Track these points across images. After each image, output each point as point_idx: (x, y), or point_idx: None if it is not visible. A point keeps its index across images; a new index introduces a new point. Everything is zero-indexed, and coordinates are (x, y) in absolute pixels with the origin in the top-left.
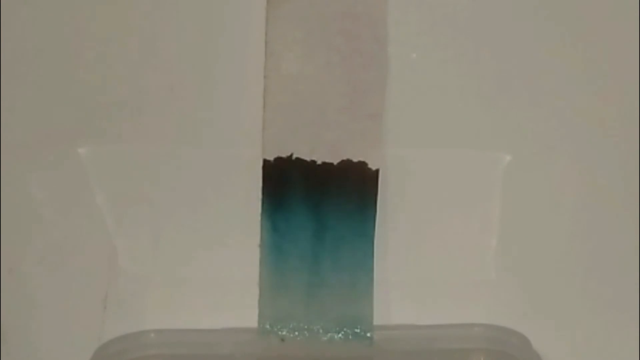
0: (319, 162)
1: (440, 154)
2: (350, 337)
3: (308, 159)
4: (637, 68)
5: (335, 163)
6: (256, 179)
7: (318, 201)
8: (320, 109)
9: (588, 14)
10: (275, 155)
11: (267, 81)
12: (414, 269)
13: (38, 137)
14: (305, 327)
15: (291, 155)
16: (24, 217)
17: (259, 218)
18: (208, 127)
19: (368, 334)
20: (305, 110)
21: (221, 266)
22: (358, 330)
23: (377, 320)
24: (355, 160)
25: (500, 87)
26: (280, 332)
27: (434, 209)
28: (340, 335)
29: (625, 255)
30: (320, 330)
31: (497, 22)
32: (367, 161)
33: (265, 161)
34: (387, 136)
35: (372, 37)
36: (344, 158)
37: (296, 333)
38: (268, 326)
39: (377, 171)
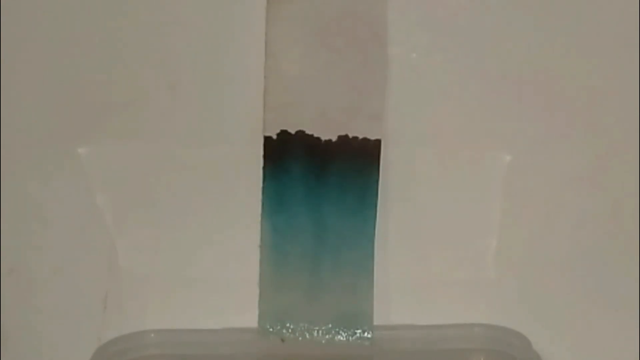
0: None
1: (440, 154)
2: (350, 337)
3: (308, 158)
4: (637, 68)
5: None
6: (256, 180)
7: (318, 201)
8: (320, 109)
9: (589, 14)
10: (276, 157)
11: (267, 81)
12: (414, 269)
13: (38, 138)
14: (306, 327)
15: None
16: (25, 217)
17: (259, 218)
18: (208, 128)
19: (368, 334)
20: (305, 110)
21: (221, 266)
22: (358, 330)
23: (377, 321)
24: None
25: (501, 88)
26: (280, 332)
27: (434, 209)
28: (340, 335)
29: (626, 256)
30: (321, 331)
31: (498, 23)
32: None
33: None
34: (388, 136)
35: (372, 37)
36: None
37: (296, 333)
38: (268, 326)
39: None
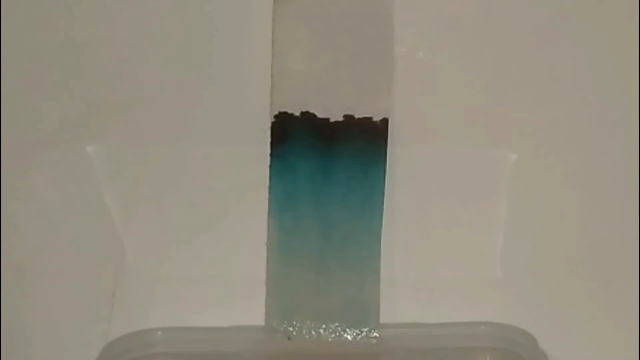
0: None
1: (447, 153)
2: (357, 335)
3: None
4: (638, 68)
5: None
6: (263, 177)
7: (325, 199)
8: (326, 108)
9: (594, 14)
10: (283, 156)
11: (274, 80)
12: (421, 267)
13: (46, 136)
14: (312, 325)
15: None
16: (32, 215)
17: (266, 217)
18: (216, 126)
19: (375, 332)
20: (311, 109)
21: (228, 265)
22: (365, 329)
23: (384, 319)
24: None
25: (507, 86)
26: (287, 331)
27: (440, 208)
28: (347, 333)
29: (633, 254)
30: (328, 329)
31: (503, 21)
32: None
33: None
34: (393, 135)
35: (378, 36)
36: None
37: (303, 331)
38: (275, 324)
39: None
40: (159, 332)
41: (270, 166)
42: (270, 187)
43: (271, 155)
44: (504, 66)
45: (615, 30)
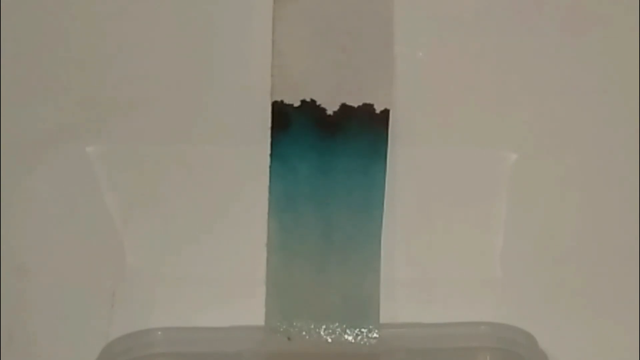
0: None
1: (446, 153)
2: (357, 335)
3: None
4: (638, 68)
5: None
6: (263, 177)
7: (325, 200)
8: (326, 108)
9: (594, 13)
10: (283, 156)
11: (274, 80)
12: (421, 267)
13: (47, 136)
14: (312, 325)
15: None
16: (33, 215)
17: (266, 217)
18: (216, 127)
19: (375, 333)
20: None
21: (229, 265)
22: (365, 329)
23: (383, 319)
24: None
25: (507, 86)
26: (287, 331)
27: (440, 208)
28: (347, 333)
29: (633, 254)
30: (327, 329)
31: (503, 21)
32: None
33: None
34: (393, 135)
35: (378, 36)
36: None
37: (303, 332)
38: (275, 324)
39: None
40: (159, 332)
41: (270, 166)
42: (270, 187)
43: (271, 155)
44: (504, 66)
45: (615, 30)
